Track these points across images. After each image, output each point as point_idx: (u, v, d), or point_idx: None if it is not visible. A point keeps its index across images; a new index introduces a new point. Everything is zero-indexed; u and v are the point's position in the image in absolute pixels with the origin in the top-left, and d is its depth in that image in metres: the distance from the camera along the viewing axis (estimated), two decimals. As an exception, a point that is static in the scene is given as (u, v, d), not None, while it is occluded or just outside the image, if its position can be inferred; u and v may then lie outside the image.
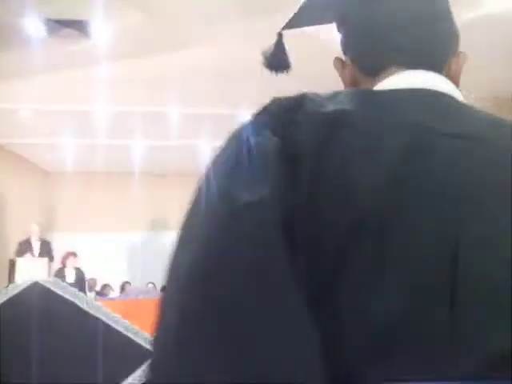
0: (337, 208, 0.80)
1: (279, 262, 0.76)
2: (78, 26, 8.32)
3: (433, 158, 0.85)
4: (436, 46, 1.13)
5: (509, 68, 10.07)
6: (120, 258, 16.47)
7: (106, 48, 8.86)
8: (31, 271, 11.16)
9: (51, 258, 12.28)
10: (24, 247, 12.14)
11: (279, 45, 1.35)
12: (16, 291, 1.63)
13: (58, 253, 14.49)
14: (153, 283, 15.11)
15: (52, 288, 1.60)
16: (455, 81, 1.24)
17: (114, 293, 14.66)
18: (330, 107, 0.94)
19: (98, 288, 14.78)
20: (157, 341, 0.87)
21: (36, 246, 12.28)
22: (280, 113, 0.98)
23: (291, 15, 1.33)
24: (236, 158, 0.92)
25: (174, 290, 0.88)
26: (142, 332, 1.58)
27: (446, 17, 1.16)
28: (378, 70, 1.07)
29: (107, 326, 1.58)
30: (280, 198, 0.80)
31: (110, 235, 16.35)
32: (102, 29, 8.44)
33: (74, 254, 12.65)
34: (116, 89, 10.64)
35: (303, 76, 10.11)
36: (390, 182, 0.81)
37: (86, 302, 1.59)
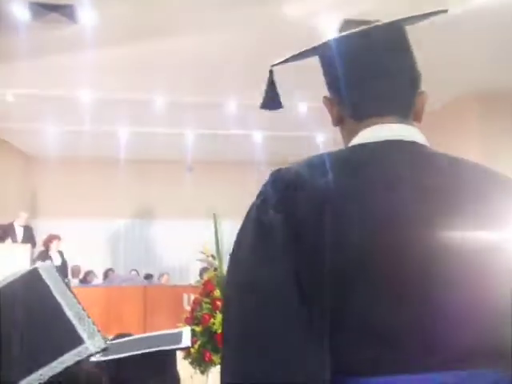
0: (335, 259, 1.13)
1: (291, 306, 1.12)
2: (63, 11, 8.24)
3: (393, 203, 1.19)
4: (404, 95, 1.42)
5: (494, 65, 10.12)
6: (104, 244, 16.44)
7: (92, 33, 8.80)
8: (12, 256, 11.13)
9: (33, 245, 12.22)
10: (6, 232, 12.09)
11: (271, 83, 1.69)
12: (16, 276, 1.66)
13: (41, 239, 14.47)
14: (136, 270, 15.11)
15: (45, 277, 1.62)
16: (418, 116, 1.50)
17: (98, 280, 14.64)
18: (320, 182, 1.22)
19: (81, 275, 14.75)
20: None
21: (19, 231, 12.22)
22: (280, 191, 1.26)
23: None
24: (252, 238, 1.23)
25: (228, 316, 1.27)
26: (87, 318, 1.60)
27: (412, 66, 1.50)
28: (360, 118, 1.38)
29: (61, 310, 1.60)
30: (288, 266, 1.15)
31: (94, 222, 16.31)
32: (88, 14, 8.37)
33: (57, 238, 12.60)
34: (102, 75, 10.60)
35: (288, 66, 10.10)
36: (370, 244, 1.13)
37: (58, 285, 1.60)
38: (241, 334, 1.14)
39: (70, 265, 15.18)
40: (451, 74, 10.53)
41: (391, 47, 1.43)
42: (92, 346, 1.66)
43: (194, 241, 15.82)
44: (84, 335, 1.67)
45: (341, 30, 8.80)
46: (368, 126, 1.35)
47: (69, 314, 1.64)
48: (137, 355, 1.97)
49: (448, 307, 1.11)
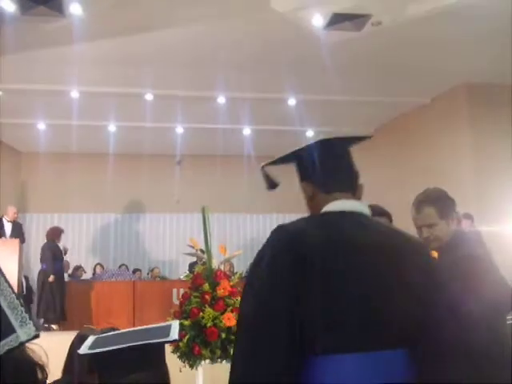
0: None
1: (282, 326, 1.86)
2: (51, 4, 8.19)
3: (355, 254, 1.98)
4: (353, 182, 2.27)
5: (484, 57, 10.15)
6: (93, 239, 16.40)
7: (80, 27, 8.76)
8: (1, 252, 11.09)
9: (22, 240, 12.16)
10: (-4, 227, 12.04)
11: (265, 175, 2.47)
12: None
13: (30, 234, 14.41)
14: (125, 265, 15.08)
15: None
16: (359, 197, 2.28)
17: (87, 274, 14.60)
18: (316, 236, 2.01)
19: (70, 270, 14.70)
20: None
21: (8, 227, 12.16)
22: (289, 240, 1.98)
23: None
24: (268, 271, 1.94)
25: (240, 324, 2.00)
26: (20, 307, 1.62)
27: (355, 167, 2.33)
28: (329, 192, 2.21)
29: None
30: (288, 288, 1.90)
31: (84, 216, 16.27)
32: (75, 7, 8.32)
33: (63, 231, 12.61)
34: (90, 69, 10.56)
35: (276, 61, 10.11)
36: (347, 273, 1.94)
37: None
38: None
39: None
40: (441, 66, 10.56)
41: (347, 154, 2.37)
42: (23, 334, 1.67)
43: (183, 235, 15.86)
44: (16, 324, 1.68)
45: (329, 24, 8.80)
46: (335, 198, 2.19)
47: (3, 304, 1.66)
48: (124, 348, 1.97)
49: (381, 312, 1.95)
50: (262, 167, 2.41)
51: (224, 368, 6.01)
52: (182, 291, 6.75)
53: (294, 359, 1.83)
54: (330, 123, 13.85)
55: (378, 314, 1.93)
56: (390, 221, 3.34)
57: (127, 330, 2.33)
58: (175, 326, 2.13)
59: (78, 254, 15.52)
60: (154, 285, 13.00)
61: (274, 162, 2.42)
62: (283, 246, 1.95)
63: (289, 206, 16.80)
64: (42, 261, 12.15)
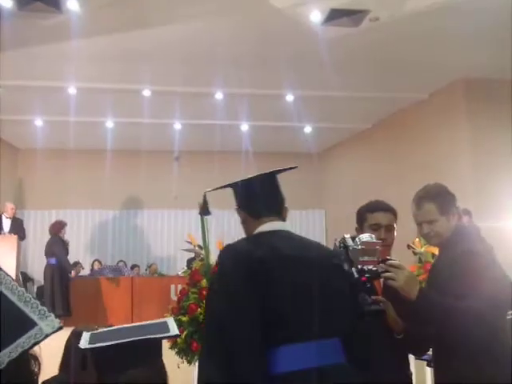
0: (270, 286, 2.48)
1: (250, 313, 2.39)
2: (48, 0, 8.17)
3: (286, 261, 2.54)
4: (278, 207, 2.82)
5: (482, 52, 10.13)
6: (91, 236, 16.39)
7: (78, 23, 8.73)
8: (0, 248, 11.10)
9: (23, 236, 12.16)
10: (-7, 225, 12.04)
11: (204, 201, 3.35)
12: None
13: (28, 230, 14.39)
14: (123, 261, 15.09)
15: None
16: (285, 217, 2.87)
17: (85, 271, 14.61)
18: (257, 254, 2.50)
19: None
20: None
21: (6, 223, 12.15)
22: (241, 255, 2.53)
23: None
24: (228, 277, 2.50)
25: (209, 319, 2.54)
26: (33, 301, 1.58)
27: (281, 194, 2.87)
28: (257, 218, 2.77)
29: (2, 295, 1.57)
30: (249, 295, 2.42)
31: (81, 213, 16.26)
32: (73, 3, 8.29)
33: (66, 224, 12.64)
34: (88, 65, 10.54)
35: (274, 57, 10.08)
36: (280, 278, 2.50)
37: None
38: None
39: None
40: (440, 61, 10.55)
41: (273, 185, 2.88)
42: (46, 327, 1.64)
43: (181, 230, 15.87)
44: (35, 317, 1.65)
45: (327, 19, 8.79)
46: (263, 222, 2.77)
47: (12, 298, 1.62)
48: (124, 343, 1.96)
49: (318, 311, 2.48)
50: (205, 193, 3.22)
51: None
52: (180, 287, 6.72)
53: (263, 351, 2.37)
54: (328, 119, 13.87)
55: (316, 312, 2.48)
56: (395, 217, 3.33)
57: (123, 326, 2.33)
58: (171, 322, 2.14)
59: (76, 250, 15.51)
60: (152, 281, 13.00)
61: (216, 189, 3.05)
62: (236, 261, 2.51)
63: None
64: (47, 256, 12.17)
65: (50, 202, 15.82)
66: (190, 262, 12.25)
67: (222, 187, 2.97)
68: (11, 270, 10.54)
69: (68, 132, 13.99)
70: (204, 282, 5.52)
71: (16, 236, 11.55)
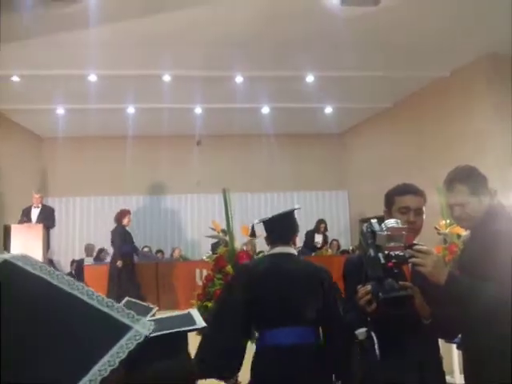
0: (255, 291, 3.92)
1: (237, 309, 3.84)
2: (67, -11, 8.17)
3: (273, 272, 3.95)
4: (289, 236, 4.10)
5: (504, 26, 9.97)
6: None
7: (98, 10, 8.74)
8: (26, 238, 11.20)
9: (51, 224, 12.22)
10: (24, 214, 12.13)
11: (253, 231, 4.78)
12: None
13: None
14: (148, 247, 15.16)
15: (21, 265, 1.54)
16: (294, 243, 4.18)
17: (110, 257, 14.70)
18: (255, 270, 4.02)
19: (94, 253, 14.82)
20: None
21: (34, 212, 12.24)
22: (244, 270, 4.25)
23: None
24: (230, 286, 4.21)
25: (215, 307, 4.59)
26: (116, 305, 1.54)
27: (295, 224, 4.22)
28: (272, 244, 4.10)
29: (81, 301, 1.52)
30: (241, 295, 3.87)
31: (105, 199, 16.34)
32: (91, -9, 8.30)
33: (130, 212, 12.78)
34: (108, 52, 10.55)
35: (294, 38, 9.99)
36: (267, 284, 3.94)
37: (57, 276, 1.53)
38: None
39: (84, 243, 15.30)
40: (461, 38, 10.41)
41: (288, 219, 4.16)
42: (143, 329, 1.61)
43: (205, 215, 15.91)
44: (126, 320, 1.61)
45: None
46: (275, 246, 4.03)
47: (93, 303, 1.59)
48: (150, 338, 1.95)
49: (289, 303, 3.80)
50: (253, 225, 4.54)
51: (249, 347, 6.05)
52: (204, 272, 6.75)
53: (244, 332, 3.88)
54: (348, 99, 13.78)
55: (288, 307, 3.80)
56: (424, 200, 3.28)
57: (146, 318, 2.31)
58: (196, 313, 2.12)
59: (102, 236, 15.64)
60: (176, 266, 13.05)
61: (260, 221, 4.23)
62: (241, 272, 4.20)
63: (306, 183, 16.89)
64: (111, 244, 12.43)
65: (73, 190, 15.93)
66: (214, 246, 12.28)
67: (257, 222, 4.31)
68: (37, 258, 10.62)
69: (89, 119, 14.06)
70: (229, 268, 5.54)
71: (41, 225, 11.63)
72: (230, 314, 3.80)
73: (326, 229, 14.69)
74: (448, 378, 6.60)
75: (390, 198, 3.25)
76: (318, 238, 14.51)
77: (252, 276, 3.91)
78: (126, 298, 2.38)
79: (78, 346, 1.48)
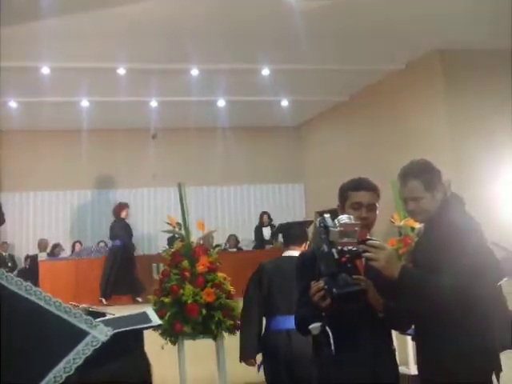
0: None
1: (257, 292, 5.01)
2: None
3: (279, 271, 4.95)
4: (302, 239, 5.18)
5: (457, 22, 10.12)
6: (70, 217, 16.29)
7: (51, 2, 8.60)
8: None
9: (1, 220, 11.99)
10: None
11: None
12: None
13: (6, 213, 14.22)
14: (104, 241, 15.01)
15: None
16: (306, 245, 5.12)
17: (65, 252, 14.54)
18: (269, 267, 5.07)
19: (48, 248, 14.63)
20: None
21: (-19, 207, 11.98)
22: (261, 268, 5.06)
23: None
24: (251, 280, 5.12)
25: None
26: (73, 310, 1.53)
27: (305, 231, 5.30)
28: (286, 246, 5.22)
29: (38, 307, 1.51)
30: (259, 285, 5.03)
31: (59, 194, 16.14)
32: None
33: (128, 206, 12.85)
34: (62, 44, 10.38)
35: (249, 31, 9.98)
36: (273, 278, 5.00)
37: (15, 282, 1.51)
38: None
39: (37, 239, 15.07)
40: (415, 31, 10.52)
41: (302, 227, 5.47)
42: (100, 335, 1.59)
43: (161, 208, 15.82)
44: (83, 326, 1.59)
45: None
46: (289, 249, 5.08)
47: (50, 309, 1.56)
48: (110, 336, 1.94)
49: (291, 298, 3.54)
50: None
51: (206, 344, 6.05)
52: (161, 266, 6.72)
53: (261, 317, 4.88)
54: (304, 92, 13.83)
55: (289, 299, 3.94)
56: (378, 196, 3.30)
57: (101, 318, 2.31)
58: (151, 311, 2.12)
59: (56, 231, 15.44)
60: (133, 260, 12.93)
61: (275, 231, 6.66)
62: (259, 270, 4.96)
63: (262, 177, 16.93)
64: (111, 238, 12.50)
65: (27, 184, 15.67)
66: (170, 240, 12.25)
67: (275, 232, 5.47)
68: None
69: (43, 113, 13.85)
70: (185, 263, 5.52)
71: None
72: (256, 306, 4.96)
73: (270, 220, 14.76)
74: (403, 369, 6.72)
75: (344, 193, 3.27)
76: (267, 232, 14.57)
77: (264, 274, 4.96)
78: (82, 305, 2.37)
79: (34, 354, 1.46)
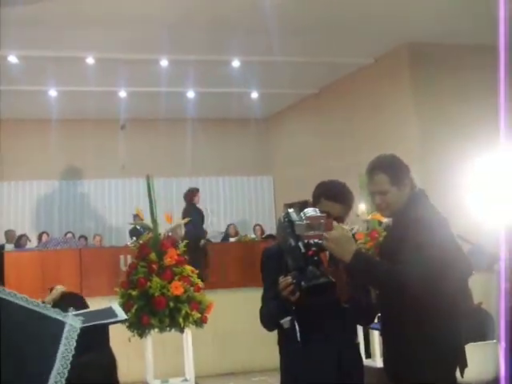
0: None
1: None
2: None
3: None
4: None
5: (423, 15, 10.19)
6: (37, 207, 16.12)
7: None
8: None
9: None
10: None
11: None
12: None
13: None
14: (71, 232, 14.88)
15: None
16: None
17: (32, 243, 14.37)
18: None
19: (14, 239, 14.44)
20: None
21: None
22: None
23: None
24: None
25: None
26: (41, 304, 1.51)
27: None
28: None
29: (9, 303, 1.49)
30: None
31: (26, 185, 15.96)
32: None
33: (198, 190, 12.64)
34: (28, 32, 10.22)
35: (219, 22, 9.93)
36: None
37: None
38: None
39: (3, 230, 14.88)
40: (383, 25, 10.57)
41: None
42: (74, 322, 1.57)
43: (129, 199, 15.74)
44: (59, 317, 1.57)
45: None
46: None
47: (22, 303, 1.54)
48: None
49: None
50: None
51: (173, 336, 6.03)
52: (129, 258, 6.69)
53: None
54: (274, 85, 13.82)
55: None
56: (350, 208, 3.29)
57: (65, 314, 2.28)
58: (116, 306, 2.11)
59: (22, 222, 15.27)
60: (100, 252, 12.86)
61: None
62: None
63: (232, 168, 16.91)
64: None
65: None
66: (132, 232, 12.22)
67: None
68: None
69: (9, 102, 13.64)
70: (153, 256, 5.50)
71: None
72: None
73: (236, 232, 14.85)
74: (369, 362, 6.79)
75: (317, 197, 3.24)
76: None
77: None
78: (58, 286, 2.35)
79: (29, 357, 1.43)
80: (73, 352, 1.49)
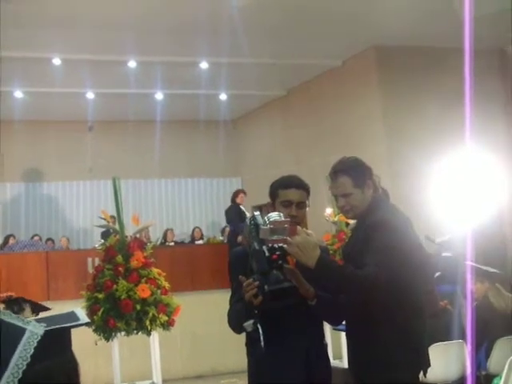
0: None
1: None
2: None
3: None
4: None
5: (391, 18, 10.26)
6: (2, 210, 15.91)
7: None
8: None
9: None
10: None
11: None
12: None
13: None
14: (38, 235, 14.73)
15: None
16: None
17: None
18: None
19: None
20: None
21: None
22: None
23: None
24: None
25: None
26: (2, 311, 1.50)
27: None
28: None
29: None
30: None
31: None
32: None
33: (244, 191, 13.02)
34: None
35: (187, 23, 9.92)
36: None
37: None
38: None
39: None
40: (352, 29, 10.63)
41: None
42: (36, 329, 1.55)
43: (97, 202, 15.62)
44: (20, 323, 1.55)
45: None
46: None
47: None
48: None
49: None
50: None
51: (140, 339, 6.00)
52: (97, 260, 6.64)
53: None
54: (242, 86, 13.82)
55: None
56: (308, 193, 3.32)
57: (27, 319, 2.25)
58: (80, 311, 2.08)
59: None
60: (68, 255, 12.74)
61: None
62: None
63: (200, 170, 16.87)
64: (227, 222, 12.99)
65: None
66: (104, 234, 12.11)
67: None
68: None
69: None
70: (119, 258, 5.45)
71: None
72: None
73: (202, 235, 14.86)
74: (337, 363, 6.81)
75: (274, 191, 3.29)
76: None
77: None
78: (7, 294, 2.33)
79: None
80: (28, 360, 1.46)
